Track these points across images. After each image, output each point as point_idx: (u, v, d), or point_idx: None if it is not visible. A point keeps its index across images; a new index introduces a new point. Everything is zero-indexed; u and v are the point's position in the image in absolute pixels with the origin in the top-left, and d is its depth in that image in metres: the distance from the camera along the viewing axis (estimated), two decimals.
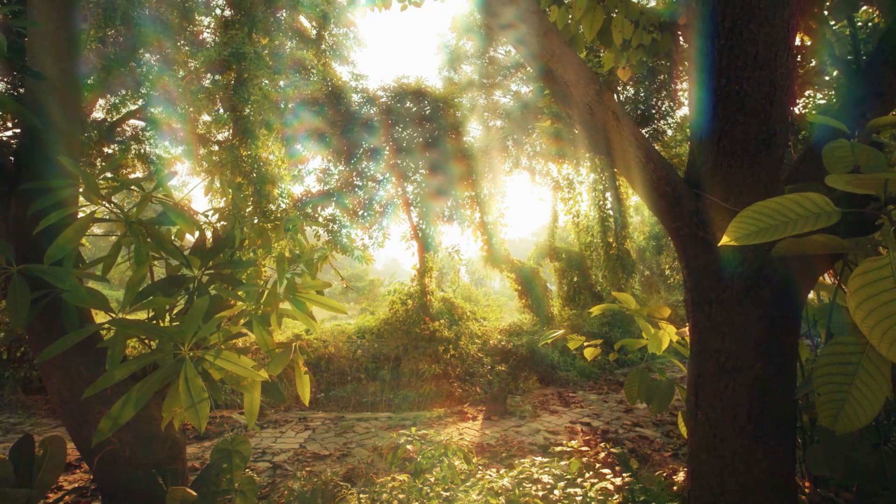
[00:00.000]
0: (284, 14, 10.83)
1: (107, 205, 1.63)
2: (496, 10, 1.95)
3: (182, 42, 10.23)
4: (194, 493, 1.84)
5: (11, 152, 2.02)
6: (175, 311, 2.16)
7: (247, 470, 2.36)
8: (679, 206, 1.85)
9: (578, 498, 2.50)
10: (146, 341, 2.12)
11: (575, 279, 13.64)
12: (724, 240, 1.33)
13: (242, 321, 2.01)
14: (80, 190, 1.61)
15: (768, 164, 1.76)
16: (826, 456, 1.65)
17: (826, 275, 2.12)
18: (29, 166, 2.08)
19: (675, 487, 2.85)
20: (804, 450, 1.97)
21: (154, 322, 1.95)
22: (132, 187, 1.90)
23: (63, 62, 2.18)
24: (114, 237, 2.06)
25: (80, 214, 2.06)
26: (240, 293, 2.04)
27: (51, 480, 1.91)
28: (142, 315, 2.31)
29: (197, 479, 2.12)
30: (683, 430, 2.38)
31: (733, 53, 1.69)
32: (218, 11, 10.59)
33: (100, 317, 2.51)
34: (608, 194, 13.49)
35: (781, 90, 1.72)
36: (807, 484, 2.08)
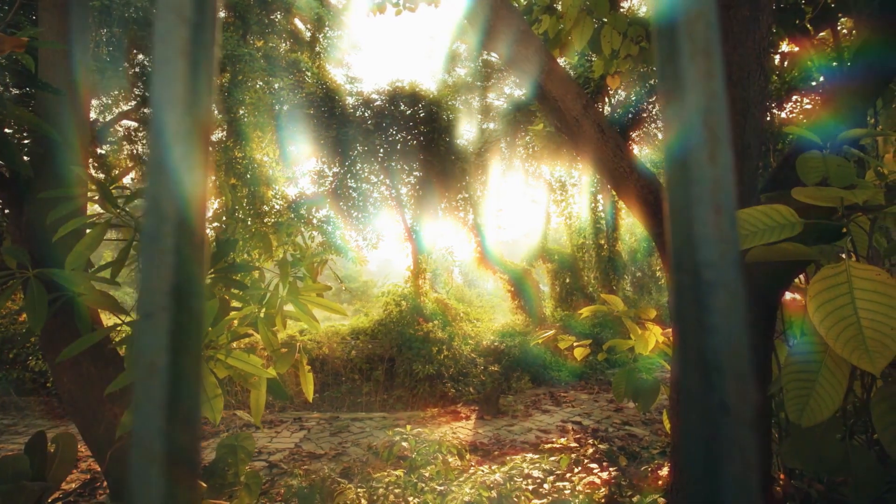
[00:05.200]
0: (279, 16, 10.88)
1: (121, 212, 1.71)
2: (488, 28, 2.05)
3: None
4: (204, 485, 1.92)
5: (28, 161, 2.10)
6: None
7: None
8: (661, 213, 1.97)
9: (567, 491, 2.61)
10: None
11: (567, 280, 13.78)
12: None
13: (247, 322, 2.09)
14: (96, 198, 1.70)
15: (743, 174, 1.88)
16: (797, 449, 1.76)
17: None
18: (40, 173, 2.16)
19: (660, 482, 2.97)
20: (780, 444, 2.08)
21: None
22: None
23: (73, 74, 2.26)
24: (111, 240, 2.14)
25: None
26: (243, 295, 2.13)
27: (63, 475, 1.98)
28: None
29: (204, 472, 2.21)
30: (668, 426, 2.50)
31: None
32: None
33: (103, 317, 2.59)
34: (600, 196, 13.64)
35: (755, 106, 1.84)
36: (781, 476, 2.19)
